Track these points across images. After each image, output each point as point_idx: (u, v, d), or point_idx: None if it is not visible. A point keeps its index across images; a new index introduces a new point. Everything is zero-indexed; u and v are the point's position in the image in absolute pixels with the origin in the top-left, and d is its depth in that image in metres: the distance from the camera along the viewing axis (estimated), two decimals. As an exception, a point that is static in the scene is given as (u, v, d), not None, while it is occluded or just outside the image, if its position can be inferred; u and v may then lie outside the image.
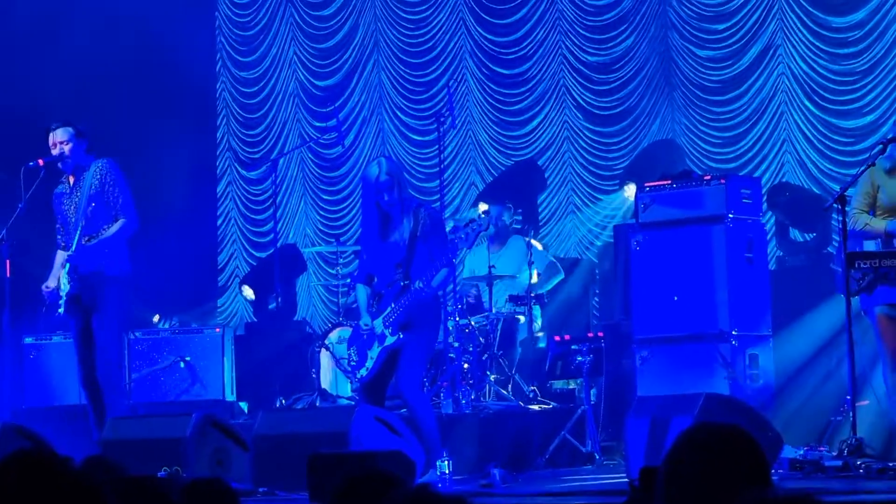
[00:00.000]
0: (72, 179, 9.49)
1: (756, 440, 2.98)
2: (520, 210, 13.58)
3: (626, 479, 8.44)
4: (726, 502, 2.71)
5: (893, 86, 12.63)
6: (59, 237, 9.59)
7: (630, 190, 12.80)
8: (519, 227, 13.34)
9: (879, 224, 8.57)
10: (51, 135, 9.45)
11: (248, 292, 15.33)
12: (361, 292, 8.96)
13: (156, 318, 14.59)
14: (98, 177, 9.34)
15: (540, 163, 14.67)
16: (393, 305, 8.68)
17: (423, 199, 12.11)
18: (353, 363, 8.87)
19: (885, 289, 8.44)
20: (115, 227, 9.34)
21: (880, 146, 8.70)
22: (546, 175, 14.62)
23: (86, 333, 9.35)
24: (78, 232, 9.28)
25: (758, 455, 2.95)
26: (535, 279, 12.37)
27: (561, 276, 12.76)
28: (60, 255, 9.51)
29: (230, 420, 10.50)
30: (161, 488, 4.16)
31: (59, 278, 9.36)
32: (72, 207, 9.40)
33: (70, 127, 9.45)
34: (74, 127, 9.46)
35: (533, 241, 12.58)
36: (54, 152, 9.42)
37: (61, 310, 9.35)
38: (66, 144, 9.41)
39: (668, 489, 2.92)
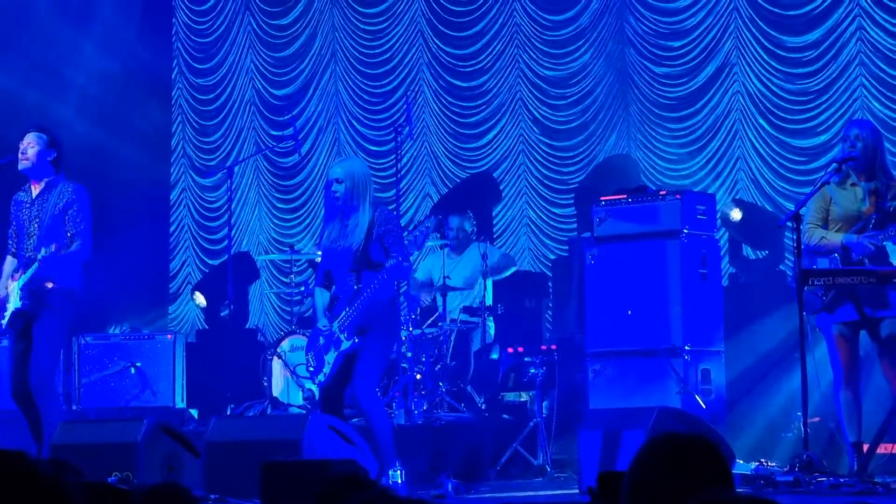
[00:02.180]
0: (35, 190, 9.25)
1: (720, 450, 3.02)
2: (475, 221, 13.60)
3: (577, 492, 8.49)
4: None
5: (847, 106, 12.72)
6: (10, 243, 9.40)
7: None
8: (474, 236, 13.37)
9: (836, 237, 8.63)
10: (25, 136, 9.29)
11: (200, 299, 15.31)
12: (319, 296, 8.93)
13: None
14: (64, 199, 9.13)
15: (495, 175, 14.68)
16: (347, 309, 8.66)
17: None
18: (311, 369, 8.85)
19: (845, 307, 8.51)
20: (71, 248, 9.11)
21: (835, 165, 8.76)
22: (501, 188, 14.64)
23: (24, 346, 9.13)
24: (33, 243, 9.13)
25: (723, 465, 2.99)
26: (488, 289, 12.44)
27: (514, 269, 12.79)
28: (10, 262, 9.35)
29: (180, 427, 10.45)
30: (120, 493, 4.16)
31: (8, 290, 9.17)
32: (31, 220, 9.20)
33: (44, 134, 9.26)
34: (49, 135, 9.27)
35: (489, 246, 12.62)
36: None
37: (4, 321, 9.16)
38: (32, 147, 9.16)
39: (634, 497, 2.95)
